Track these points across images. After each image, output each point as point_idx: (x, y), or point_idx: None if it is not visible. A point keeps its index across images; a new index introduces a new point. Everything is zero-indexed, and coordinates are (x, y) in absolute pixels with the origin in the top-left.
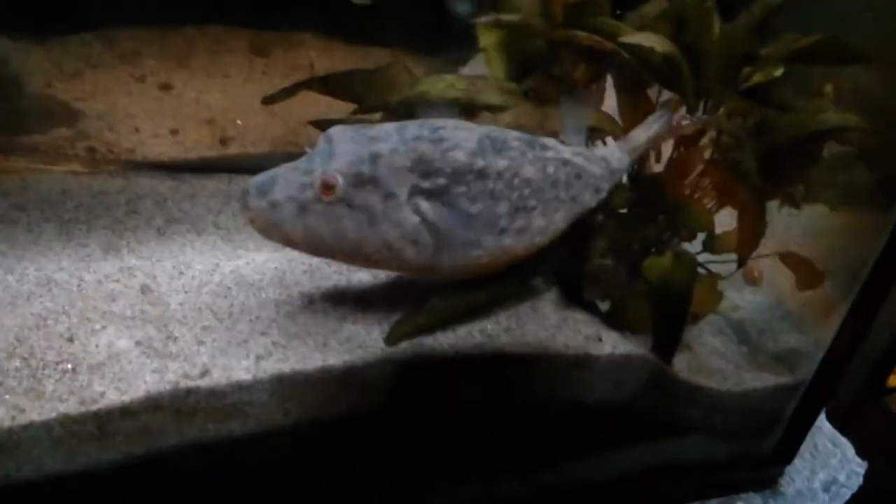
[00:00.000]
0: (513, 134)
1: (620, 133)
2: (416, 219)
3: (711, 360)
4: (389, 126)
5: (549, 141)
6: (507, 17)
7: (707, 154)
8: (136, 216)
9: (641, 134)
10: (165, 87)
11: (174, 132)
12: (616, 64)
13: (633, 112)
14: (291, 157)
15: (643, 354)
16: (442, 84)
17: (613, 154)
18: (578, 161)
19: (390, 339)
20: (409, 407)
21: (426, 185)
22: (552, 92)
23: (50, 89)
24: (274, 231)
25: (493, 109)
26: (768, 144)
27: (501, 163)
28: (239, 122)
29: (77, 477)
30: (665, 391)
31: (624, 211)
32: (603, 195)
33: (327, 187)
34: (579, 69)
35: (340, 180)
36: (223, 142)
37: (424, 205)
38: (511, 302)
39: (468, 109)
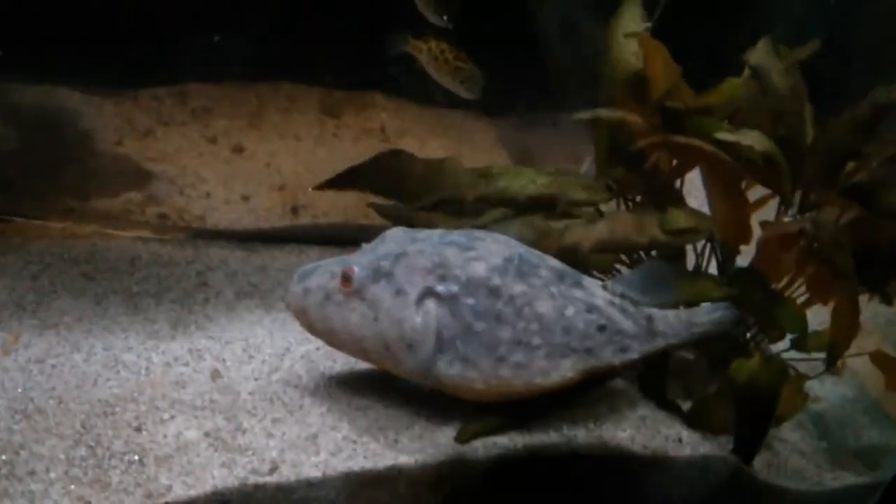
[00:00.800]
0: (551, 262)
1: (714, 231)
2: (418, 320)
3: (791, 458)
4: (436, 230)
5: (589, 281)
6: (607, 114)
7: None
8: (205, 289)
9: (703, 317)
10: (237, 150)
11: (245, 198)
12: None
13: (726, 209)
14: (362, 229)
15: (724, 456)
16: (522, 179)
17: (667, 317)
18: (609, 311)
19: (461, 437)
20: None
21: (440, 288)
22: (636, 184)
23: (121, 148)
24: (302, 316)
25: (577, 206)
26: (867, 242)
27: (518, 287)
28: (311, 189)
29: None
30: (744, 494)
31: None
32: (633, 356)
33: (346, 278)
34: (667, 159)
35: (358, 273)
36: (294, 210)
37: (431, 306)
38: (589, 401)
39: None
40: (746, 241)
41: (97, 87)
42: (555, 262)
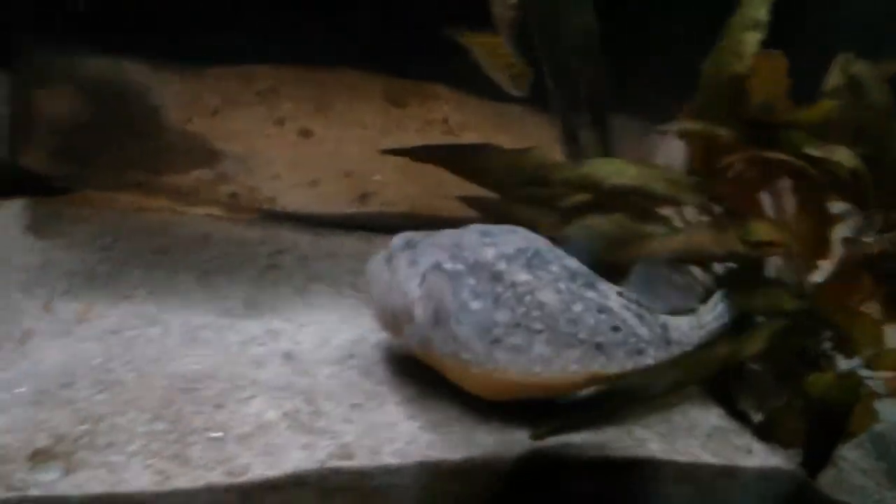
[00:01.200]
0: (568, 262)
1: (793, 245)
2: (418, 291)
3: (854, 476)
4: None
5: (605, 285)
6: (691, 126)
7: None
8: (276, 271)
9: (708, 316)
10: (305, 134)
11: (313, 183)
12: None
13: (807, 223)
14: (429, 219)
15: (791, 470)
16: (610, 167)
17: (680, 325)
18: (624, 315)
19: (536, 435)
20: None
21: (447, 265)
22: (720, 191)
23: (190, 125)
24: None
25: (660, 201)
26: None
27: (522, 276)
28: (378, 177)
29: None
30: None
31: (785, 318)
32: (647, 360)
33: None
34: (755, 169)
35: (395, 240)
36: (363, 198)
37: (433, 278)
38: (664, 406)
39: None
40: (825, 255)
41: (163, 63)
42: (572, 263)
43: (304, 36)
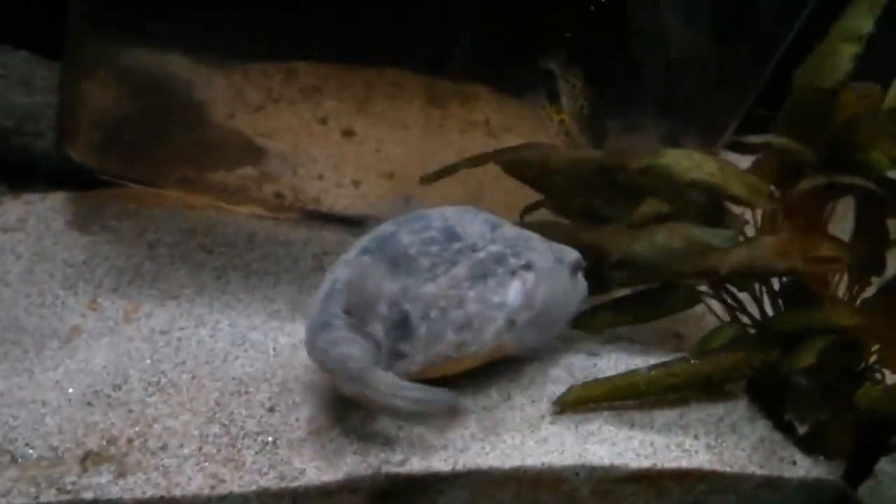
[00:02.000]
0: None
1: (852, 262)
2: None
3: (892, 488)
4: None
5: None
6: (776, 141)
7: None
8: (321, 273)
9: None
10: (348, 134)
11: (356, 183)
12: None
13: (867, 241)
14: None
15: (834, 480)
16: (688, 161)
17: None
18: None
19: (558, 404)
20: None
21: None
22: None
23: (233, 121)
24: None
25: (737, 202)
26: None
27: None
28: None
29: None
30: None
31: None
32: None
33: None
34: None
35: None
36: (406, 200)
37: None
38: (711, 418)
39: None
40: (880, 273)
41: (204, 57)
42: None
43: (346, 34)
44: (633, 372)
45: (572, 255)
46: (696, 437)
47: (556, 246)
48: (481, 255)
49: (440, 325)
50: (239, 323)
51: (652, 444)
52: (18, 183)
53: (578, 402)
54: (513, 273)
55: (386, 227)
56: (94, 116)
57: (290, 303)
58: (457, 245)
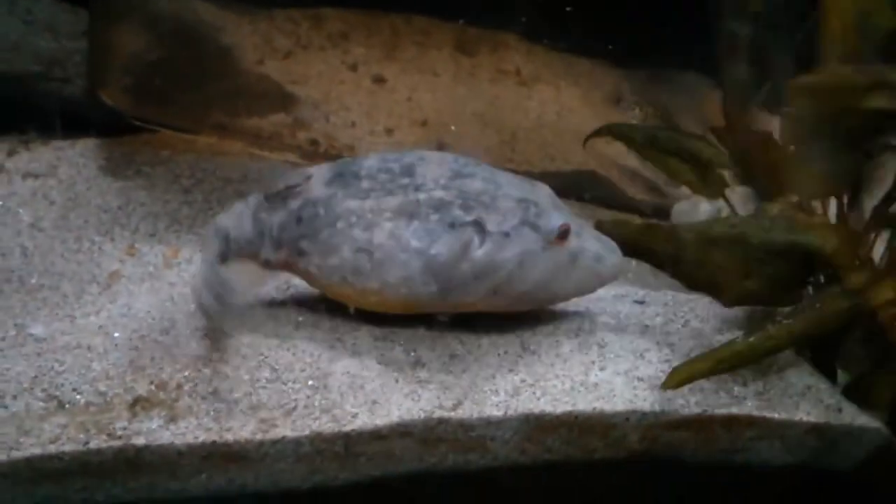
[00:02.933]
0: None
1: None
2: None
3: None
4: None
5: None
6: (819, 78)
7: None
8: None
9: None
10: (378, 81)
11: (389, 131)
12: None
13: None
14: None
15: (877, 427)
16: None
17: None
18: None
19: (667, 384)
20: (649, 462)
21: None
22: None
23: (262, 67)
24: None
25: None
26: None
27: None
28: (453, 127)
29: (309, 493)
30: (891, 465)
31: None
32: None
33: None
34: None
35: None
36: (440, 148)
37: None
38: (761, 368)
39: None
40: None
41: (230, 3)
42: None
43: None
44: (732, 342)
45: (552, 221)
46: (744, 384)
47: (539, 210)
48: (420, 195)
49: (341, 238)
50: None
51: (702, 390)
52: (47, 129)
53: (685, 381)
54: (451, 225)
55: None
56: (125, 62)
57: None
58: (405, 180)
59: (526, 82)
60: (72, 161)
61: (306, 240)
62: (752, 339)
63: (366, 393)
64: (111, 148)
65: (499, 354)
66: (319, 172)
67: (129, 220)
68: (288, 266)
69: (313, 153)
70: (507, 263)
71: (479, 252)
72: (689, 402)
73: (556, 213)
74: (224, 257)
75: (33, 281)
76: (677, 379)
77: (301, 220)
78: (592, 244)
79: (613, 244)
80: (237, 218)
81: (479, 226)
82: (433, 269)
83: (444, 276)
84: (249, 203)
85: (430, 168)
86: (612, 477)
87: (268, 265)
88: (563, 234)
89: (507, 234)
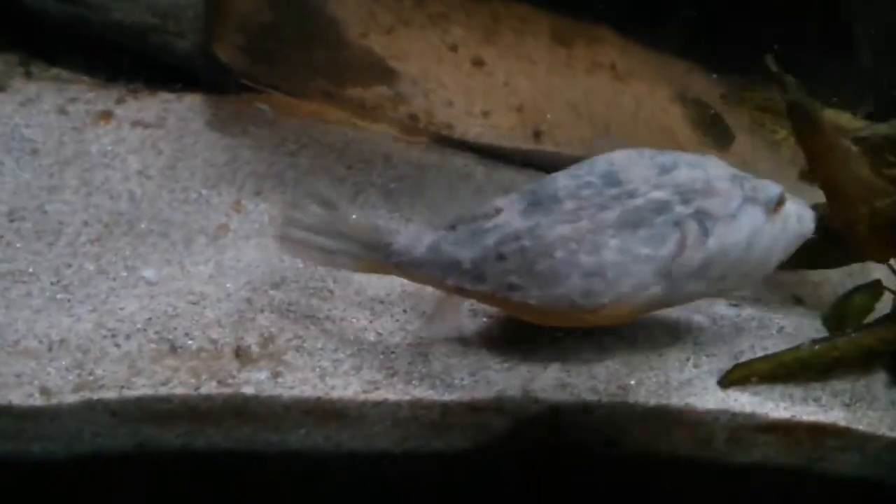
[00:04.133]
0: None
1: None
2: None
3: None
4: None
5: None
6: None
7: None
8: (454, 200)
9: None
10: (477, 63)
11: (485, 114)
12: None
13: None
14: None
15: None
16: None
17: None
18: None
19: (724, 381)
20: (729, 463)
21: None
22: None
23: (366, 40)
24: None
25: None
26: None
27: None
28: (549, 115)
29: (402, 456)
30: None
31: None
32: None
33: None
34: None
35: None
36: (537, 135)
37: None
38: (847, 378)
39: None
40: None
41: None
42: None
43: None
44: (796, 348)
45: (771, 190)
46: (833, 394)
47: (753, 183)
48: (638, 201)
49: (565, 267)
50: None
51: (791, 396)
52: (155, 80)
53: (743, 380)
54: (676, 223)
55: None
56: (239, 21)
57: (426, 224)
58: (614, 191)
59: (620, 77)
60: (180, 114)
61: (515, 275)
62: (817, 346)
63: (466, 365)
64: (218, 105)
65: (594, 344)
66: (510, 204)
67: (234, 176)
68: (492, 299)
69: (412, 128)
70: (737, 246)
71: (710, 241)
72: (779, 406)
73: (768, 182)
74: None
75: (142, 226)
76: (735, 376)
77: (504, 257)
78: (790, 204)
79: (803, 198)
80: (417, 236)
81: (704, 215)
82: (665, 271)
83: (676, 275)
84: (422, 234)
85: (635, 171)
86: (693, 474)
87: (463, 293)
88: (782, 201)
89: (734, 216)
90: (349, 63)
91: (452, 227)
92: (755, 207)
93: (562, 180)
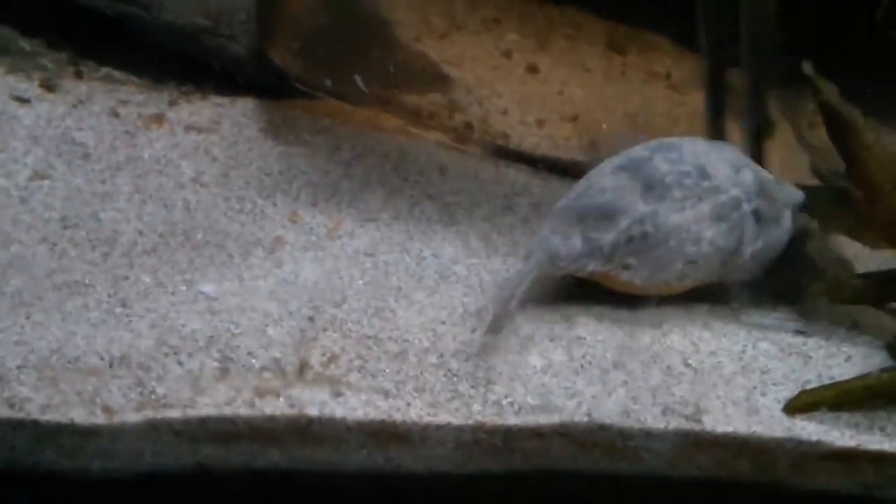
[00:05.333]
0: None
1: None
2: None
3: None
4: None
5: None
6: None
7: None
8: (511, 213)
9: None
10: (532, 70)
11: (540, 123)
12: None
13: None
14: None
15: None
16: None
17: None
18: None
19: (788, 408)
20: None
21: None
22: None
23: (420, 45)
24: None
25: None
26: None
27: None
28: (604, 126)
29: (464, 478)
30: None
31: None
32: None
33: None
34: None
35: None
36: (593, 146)
37: None
38: None
39: None
40: None
41: None
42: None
43: None
44: (864, 376)
45: (796, 196)
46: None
47: (787, 189)
48: (724, 198)
49: (675, 255)
50: (441, 254)
51: (857, 425)
52: (206, 83)
53: (809, 407)
54: (742, 220)
55: (639, 151)
56: (293, 26)
57: (484, 240)
58: (706, 183)
59: (676, 87)
60: (233, 119)
61: (634, 256)
62: (885, 375)
63: (529, 389)
64: (271, 111)
65: (661, 369)
66: (626, 181)
67: (290, 186)
68: (604, 277)
69: (467, 137)
70: (778, 245)
71: (759, 242)
72: (845, 434)
73: (790, 187)
74: (543, 272)
75: (198, 237)
76: (801, 403)
77: (632, 240)
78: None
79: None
80: (565, 237)
81: (758, 215)
82: (726, 260)
83: (730, 266)
84: (573, 222)
85: (719, 167)
86: (753, 500)
87: (590, 276)
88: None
89: (778, 219)
90: (404, 68)
91: (581, 217)
92: (788, 211)
93: (660, 164)
